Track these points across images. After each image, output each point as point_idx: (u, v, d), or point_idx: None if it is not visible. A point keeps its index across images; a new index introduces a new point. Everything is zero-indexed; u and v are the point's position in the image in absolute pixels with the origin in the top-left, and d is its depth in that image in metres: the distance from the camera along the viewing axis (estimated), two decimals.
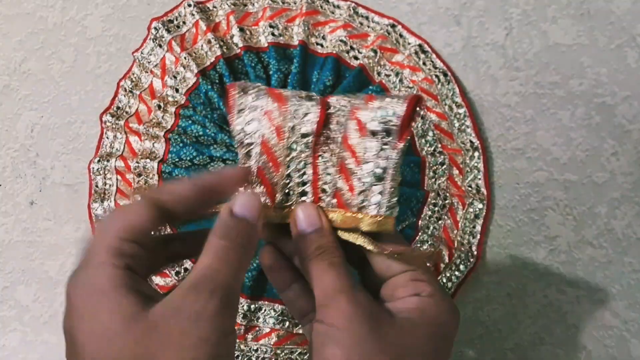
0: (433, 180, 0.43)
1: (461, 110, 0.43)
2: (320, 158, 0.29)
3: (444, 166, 0.43)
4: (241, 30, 0.46)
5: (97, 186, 0.45)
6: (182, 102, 0.45)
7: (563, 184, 0.42)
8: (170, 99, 0.45)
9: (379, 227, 0.27)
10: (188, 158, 0.44)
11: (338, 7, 0.47)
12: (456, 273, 0.41)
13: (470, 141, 0.43)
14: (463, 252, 0.42)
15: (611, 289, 0.41)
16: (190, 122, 0.44)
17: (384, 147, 0.27)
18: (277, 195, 0.29)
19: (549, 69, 0.44)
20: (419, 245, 0.42)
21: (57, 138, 0.48)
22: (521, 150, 0.43)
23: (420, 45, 0.45)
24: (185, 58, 0.45)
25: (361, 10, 0.46)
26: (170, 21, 0.47)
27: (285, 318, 0.42)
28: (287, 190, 0.29)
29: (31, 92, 0.50)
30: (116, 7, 0.50)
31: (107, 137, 0.46)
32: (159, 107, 0.45)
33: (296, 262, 0.31)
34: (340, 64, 0.45)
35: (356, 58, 0.45)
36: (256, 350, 0.42)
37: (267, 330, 0.42)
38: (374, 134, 0.27)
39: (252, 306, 0.42)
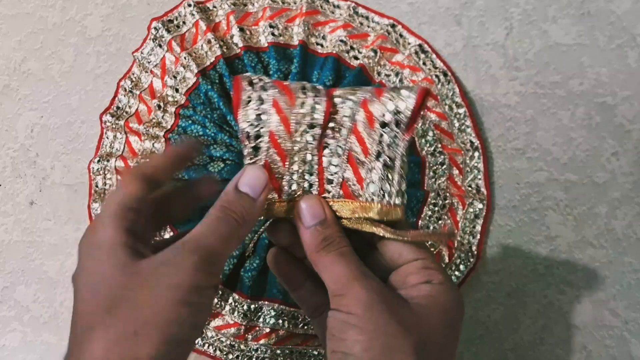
0: (433, 180, 0.43)
1: (461, 110, 0.43)
2: (326, 149, 0.29)
3: (444, 166, 0.43)
4: (241, 30, 0.46)
5: (97, 186, 0.45)
6: (182, 102, 0.45)
7: (563, 184, 0.42)
8: (170, 99, 0.45)
9: (389, 215, 0.28)
10: None
11: (338, 7, 0.47)
12: (456, 273, 0.41)
13: (471, 141, 0.43)
14: (463, 252, 0.42)
15: (611, 289, 0.41)
16: (190, 122, 0.44)
17: (393, 138, 0.27)
18: (284, 188, 0.29)
19: (550, 69, 0.44)
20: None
21: (57, 138, 0.48)
22: (521, 150, 0.43)
23: (420, 45, 0.45)
24: (185, 58, 0.45)
25: (361, 10, 0.46)
26: (170, 21, 0.47)
27: (285, 318, 0.42)
28: (292, 183, 0.29)
29: (31, 92, 0.50)
30: (116, 7, 0.50)
31: (107, 137, 0.46)
32: (159, 107, 0.45)
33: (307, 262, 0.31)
34: (340, 63, 0.45)
35: (356, 58, 0.45)
36: (256, 350, 0.42)
37: (267, 330, 0.42)
38: (383, 125, 0.27)
39: (252, 306, 0.42)
